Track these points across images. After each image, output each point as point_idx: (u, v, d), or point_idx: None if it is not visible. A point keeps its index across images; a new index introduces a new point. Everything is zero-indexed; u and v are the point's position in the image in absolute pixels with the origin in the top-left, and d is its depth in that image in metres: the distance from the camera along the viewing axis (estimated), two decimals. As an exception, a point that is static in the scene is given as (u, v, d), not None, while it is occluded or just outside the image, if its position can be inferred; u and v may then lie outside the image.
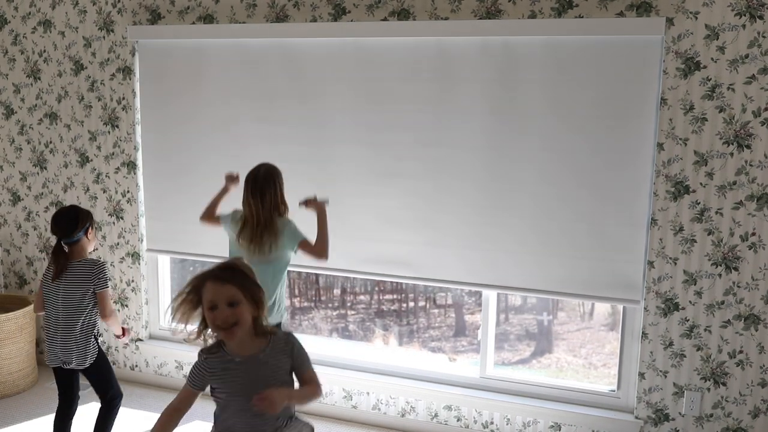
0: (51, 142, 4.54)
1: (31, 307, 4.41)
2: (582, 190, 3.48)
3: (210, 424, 4.03)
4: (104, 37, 4.28)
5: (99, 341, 3.37)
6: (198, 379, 2.19)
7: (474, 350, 4.07)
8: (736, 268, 3.32)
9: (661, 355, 3.48)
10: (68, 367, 3.28)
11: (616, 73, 3.36)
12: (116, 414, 3.39)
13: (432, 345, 4.31)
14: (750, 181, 3.24)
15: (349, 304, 4.55)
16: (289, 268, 3.36)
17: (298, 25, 3.79)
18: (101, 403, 3.38)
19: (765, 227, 3.25)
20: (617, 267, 3.47)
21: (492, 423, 3.80)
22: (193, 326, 2.16)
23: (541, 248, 3.57)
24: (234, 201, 3.44)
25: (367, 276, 3.93)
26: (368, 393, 4.02)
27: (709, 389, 3.44)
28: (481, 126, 3.59)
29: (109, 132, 4.37)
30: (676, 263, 3.40)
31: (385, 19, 3.69)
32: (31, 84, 4.53)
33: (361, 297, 4.58)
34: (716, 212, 3.31)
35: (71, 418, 3.38)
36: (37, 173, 4.62)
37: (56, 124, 4.50)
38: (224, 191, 3.58)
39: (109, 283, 3.30)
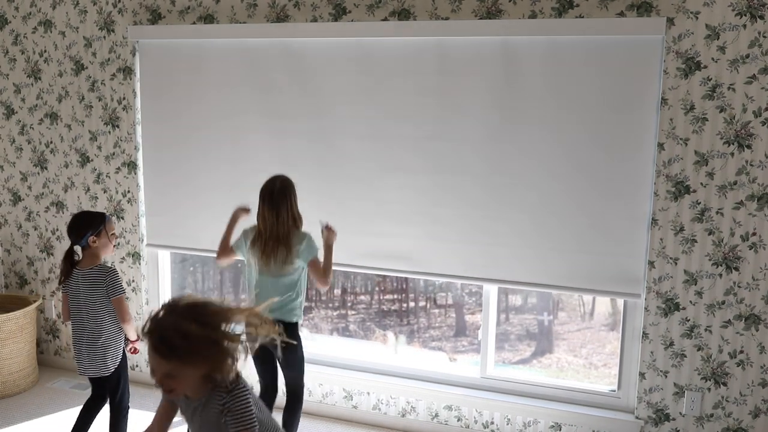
0: (51, 142, 4.54)
1: (32, 307, 4.41)
2: (582, 187, 3.48)
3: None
4: (105, 37, 4.28)
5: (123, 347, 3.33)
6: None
7: (474, 350, 4.07)
8: (736, 268, 3.32)
9: (662, 355, 3.48)
10: (94, 377, 3.29)
11: (616, 73, 3.36)
12: (125, 426, 3.37)
13: (432, 345, 4.31)
14: (750, 181, 3.24)
15: (349, 304, 4.55)
16: None
17: (298, 25, 3.79)
18: (110, 408, 3.35)
19: (765, 227, 3.25)
20: (618, 261, 3.47)
21: (492, 423, 3.80)
22: None
23: (542, 242, 3.57)
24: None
25: (367, 270, 3.92)
26: (369, 393, 4.02)
27: (709, 389, 3.43)
28: (481, 124, 3.59)
29: (109, 132, 4.37)
30: (676, 263, 3.40)
31: (385, 19, 3.68)
32: (32, 84, 4.53)
33: (362, 297, 4.58)
34: (717, 212, 3.31)
35: (97, 411, 3.37)
36: (38, 173, 4.62)
37: (57, 124, 4.50)
38: (233, 222, 3.50)
39: (124, 289, 3.27)
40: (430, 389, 3.88)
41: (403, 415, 3.97)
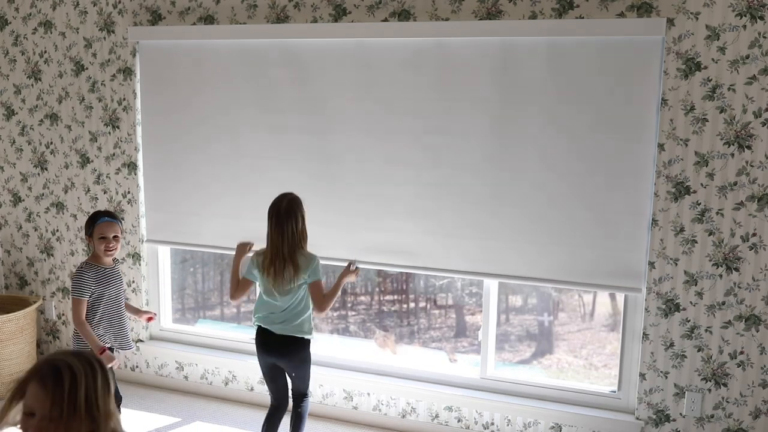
0: (52, 143, 4.54)
1: (32, 308, 4.41)
2: (583, 185, 3.48)
3: (212, 426, 4.04)
4: (105, 38, 4.28)
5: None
6: None
7: (475, 351, 4.06)
8: (736, 269, 3.31)
9: (662, 355, 3.48)
10: None
11: (616, 73, 3.36)
12: None
13: (433, 346, 4.31)
14: (751, 181, 3.24)
15: (349, 305, 4.55)
16: None
17: (298, 26, 3.79)
18: None
19: (766, 228, 3.25)
20: (618, 255, 3.46)
21: (492, 424, 3.80)
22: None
23: (542, 237, 3.57)
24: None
25: (367, 265, 3.91)
26: (369, 394, 4.02)
27: (709, 390, 3.43)
28: (481, 122, 3.59)
29: (109, 133, 4.37)
30: (676, 264, 3.40)
31: (385, 20, 3.69)
32: (32, 85, 4.53)
33: (362, 298, 4.58)
34: (717, 213, 3.30)
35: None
36: (38, 174, 4.62)
37: (57, 125, 4.50)
38: (238, 257, 3.54)
39: (79, 292, 3.23)
40: (430, 390, 3.88)
41: (404, 416, 3.97)
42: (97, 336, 3.26)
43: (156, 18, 4.15)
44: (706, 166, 3.29)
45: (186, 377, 4.42)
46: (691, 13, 3.21)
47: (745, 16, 3.14)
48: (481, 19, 3.51)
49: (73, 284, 3.23)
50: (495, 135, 3.58)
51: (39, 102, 4.53)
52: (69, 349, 1.75)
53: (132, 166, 4.34)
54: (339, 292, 3.37)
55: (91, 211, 4.47)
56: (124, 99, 4.29)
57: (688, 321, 3.41)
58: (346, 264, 3.52)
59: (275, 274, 3.20)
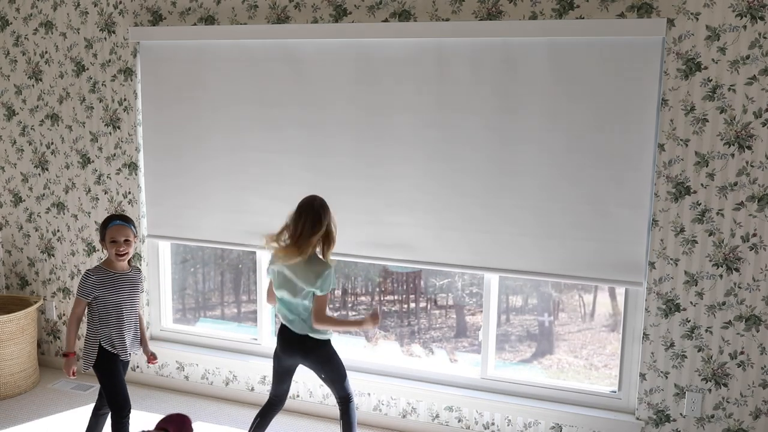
0: (52, 143, 4.54)
1: (33, 308, 4.41)
2: (584, 182, 3.49)
3: (213, 426, 4.04)
4: (105, 39, 4.29)
5: (102, 347, 3.24)
6: None
7: (475, 351, 4.07)
8: (737, 269, 3.32)
9: (662, 356, 3.48)
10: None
11: (616, 74, 3.36)
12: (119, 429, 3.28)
13: (433, 346, 4.31)
14: (751, 182, 3.24)
15: (350, 305, 4.55)
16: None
17: (299, 27, 3.80)
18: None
19: (766, 228, 3.25)
20: (619, 249, 3.46)
21: (493, 424, 3.80)
22: None
23: (543, 231, 3.57)
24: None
25: (367, 260, 3.91)
26: (369, 394, 4.02)
27: (710, 390, 3.43)
28: (481, 122, 3.59)
29: (110, 133, 4.38)
30: (677, 264, 3.40)
31: (386, 21, 3.69)
32: (33, 85, 4.53)
33: (362, 298, 4.58)
34: (717, 213, 3.31)
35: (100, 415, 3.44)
36: (39, 174, 4.62)
37: (58, 126, 4.51)
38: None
39: (80, 292, 3.20)
40: (430, 390, 3.89)
41: (404, 416, 3.97)
42: (99, 338, 3.23)
43: (157, 18, 4.15)
44: (707, 166, 3.29)
45: (187, 377, 4.42)
46: (692, 13, 3.22)
47: (746, 16, 3.14)
48: (481, 20, 3.52)
49: (79, 283, 3.25)
50: (495, 133, 3.58)
51: (40, 102, 4.53)
52: None
53: (133, 167, 4.34)
54: (341, 329, 3.30)
55: (91, 212, 4.49)
56: (125, 99, 4.30)
57: (689, 321, 3.42)
58: (369, 311, 3.45)
59: (289, 255, 3.14)
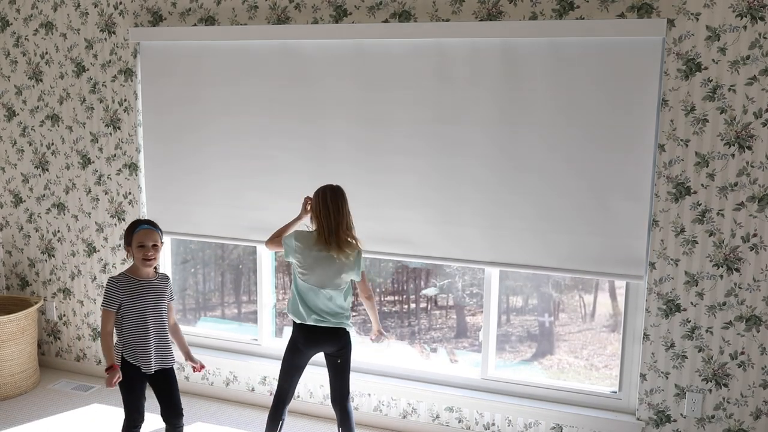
0: (53, 144, 4.55)
1: (33, 308, 4.42)
2: (583, 180, 3.49)
3: (213, 426, 4.04)
4: (106, 39, 4.29)
5: (123, 358, 3.15)
6: None
7: (475, 351, 4.07)
8: (737, 270, 3.32)
9: (663, 356, 3.48)
10: None
11: (616, 74, 3.36)
12: None
13: (433, 346, 4.31)
14: (751, 182, 3.24)
15: (351, 306, 4.54)
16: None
17: (299, 27, 3.80)
18: None
19: (766, 228, 3.25)
20: (619, 242, 3.45)
21: (493, 424, 3.80)
22: None
23: (543, 225, 3.56)
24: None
25: (370, 255, 3.91)
26: (370, 394, 4.02)
27: (710, 390, 3.43)
28: (482, 124, 3.60)
29: (110, 134, 4.38)
30: (677, 264, 3.40)
31: (386, 21, 3.69)
32: (33, 86, 4.54)
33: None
34: (717, 213, 3.31)
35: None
36: (39, 175, 4.63)
37: (58, 126, 4.51)
38: (298, 219, 3.48)
39: (106, 302, 3.12)
40: (431, 390, 3.89)
41: (404, 417, 3.97)
42: (121, 349, 3.14)
43: (157, 19, 4.15)
44: (707, 166, 3.29)
45: (187, 378, 4.42)
46: (692, 13, 3.22)
47: (746, 16, 3.14)
48: (481, 20, 3.52)
49: (104, 293, 3.13)
50: (496, 133, 3.58)
51: (40, 103, 4.53)
52: None
53: (133, 167, 4.34)
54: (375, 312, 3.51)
55: (92, 212, 4.49)
56: (125, 100, 4.30)
57: (689, 321, 3.42)
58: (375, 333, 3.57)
59: (330, 247, 3.21)
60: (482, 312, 3.87)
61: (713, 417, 3.44)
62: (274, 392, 3.47)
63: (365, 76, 3.76)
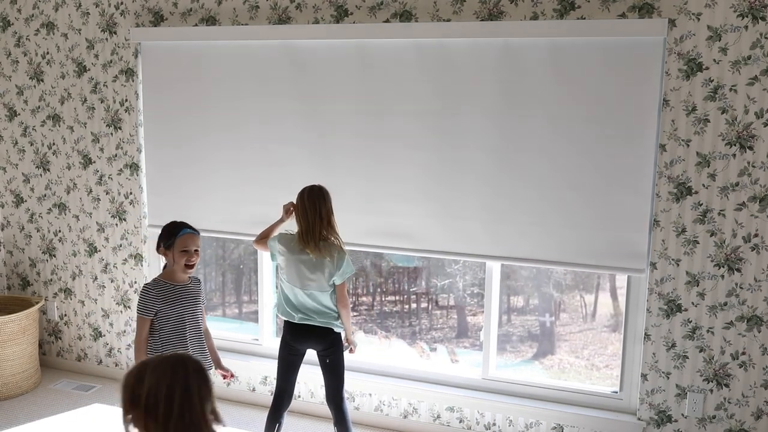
0: (54, 144, 4.55)
1: (34, 308, 4.42)
2: (585, 176, 3.49)
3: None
4: (107, 39, 4.29)
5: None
6: None
7: (476, 351, 4.07)
8: (738, 270, 3.31)
9: (664, 356, 3.48)
10: None
11: (617, 74, 3.36)
12: None
13: (434, 346, 4.31)
14: (752, 182, 3.24)
15: (351, 305, 4.54)
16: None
17: (300, 27, 3.80)
18: None
19: (767, 228, 3.25)
20: (621, 236, 3.45)
21: (494, 424, 3.80)
22: None
23: (544, 219, 3.56)
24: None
25: (369, 249, 3.91)
26: (370, 394, 4.02)
27: (711, 391, 3.43)
28: (482, 122, 3.60)
29: (111, 134, 4.38)
30: (678, 264, 3.40)
31: (387, 21, 3.69)
32: (34, 86, 4.54)
33: (363, 298, 4.58)
34: (719, 213, 3.30)
35: None
36: (40, 175, 4.63)
37: (59, 126, 4.51)
38: (280, 221, 3.52)
39: (142, 310, 3.02)
40: (432, 390, 3.89)
41: (405, 417, 3.97)
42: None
43: (158, 19, 4.16)
44: (708, 166, 3.29)
45: (188, 378, 4.41)
46: (693, 13, 3.22)
47: (747, 16, 3.14)
48: (482, 20, 3.52)
49: (138, 301, 3.04)
50: (496, 131, 3.58)
51: (41, 103, 4.54)
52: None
53: (134, 167, 4.35)
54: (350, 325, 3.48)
55: (93, 212, 4.49)
56: (126, 100, 4.30)
57: (690, 322, 3.41)
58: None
59: (309, 248, 3.23)
60: (483, 312, 3.87)
61: (714, 417, 3.44)
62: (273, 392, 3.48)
63: (366, 76, 3.76)
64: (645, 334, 3.50)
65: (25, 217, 4.72)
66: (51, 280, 4.72)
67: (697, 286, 3.38)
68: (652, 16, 3.26)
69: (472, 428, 3.85)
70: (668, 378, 3.49)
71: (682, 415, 3.49)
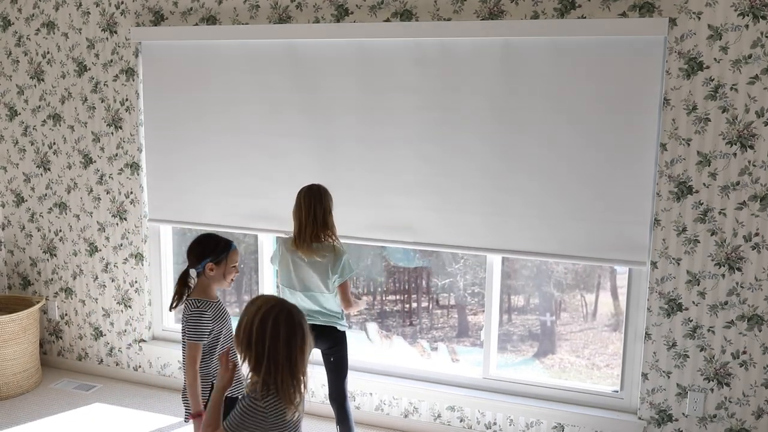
0: (54, 144, 4.55)
1: (35, 308, 4.42)
2: (584, 176, 3.49)
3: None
4: (107, 39, 4.29)
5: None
6: None
7: (477, 350, 4.07)
8: (739, 269, 3.31)
9: (665, 355, 3.48)
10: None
11: (618, 73, 3.36)
12: None
13: (435, 345, 4.31)
14: (753, 181, 3.23)
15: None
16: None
17: (300, 26, 3.80)
18: None
19: (768, 228, 3.25)
20: (622, 228, 3.44)
21: (495, 424, 3.80)
22: None
23: (544, 212, 3.56)
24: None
25: (370, 242, 3.91)
26: (371, 394, 4.02)
27: (712, 390, 3.43)
28: (483, 121, 3.60)
29: (112, 133, 4.38)
30: (679, 264, 3.40)
31: (387, 20, 3.69)
32: (35, 85, 4.54)
33: (364, 298, 4.57)
34: (719, 213, 3.30)
35: None
36: (41, 174, 4.63)
37: (60, 126, 4.51)
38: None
39: (199, 336, 2.79)
40: (432, 390, 3.89)
41: (406, 416, 3.97)
42: (212, 378, 2.81)
43: (158, 18, 4.16)
44: (709, 165, 3.29)
45: (188, 377, 4.42)
46: (693, 12, 3.21)
47: (748, 15, 3.14)
48: (483, 19, 3.52)
49: (191, 326, 2.76)
50: (497, 131, 3.58)
51: (42, 103, 4.54)
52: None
53: (135, 167, 4.35)
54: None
55: (93, 212, 4.49)
56: (127, 99, 4.30)
57: (691, 321, 3.41)
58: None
59: (303, 248, 3.22)
60: (483, 311, 3.86)
61: (715, 416, 3.44)
62: None
63: (366, 75, 3.76)
64: (646, 333, 3.50)
65: (26, 216, 4.72)
66: (52, 279, 4.72)
67: (698, 285, 3.38)
68: (652, 15, 3.26)
69: (473, 427, 3.85)
70: (669, 377, 3.49)
71: (683, 414, 3.49)
